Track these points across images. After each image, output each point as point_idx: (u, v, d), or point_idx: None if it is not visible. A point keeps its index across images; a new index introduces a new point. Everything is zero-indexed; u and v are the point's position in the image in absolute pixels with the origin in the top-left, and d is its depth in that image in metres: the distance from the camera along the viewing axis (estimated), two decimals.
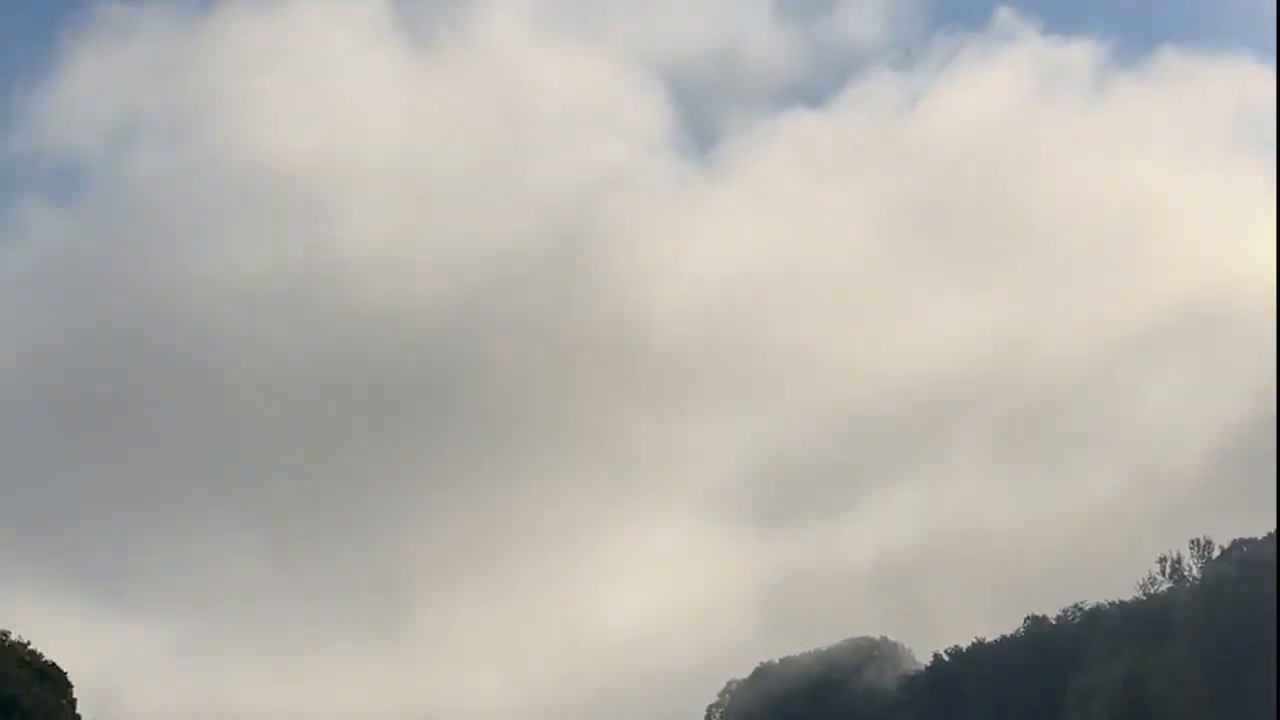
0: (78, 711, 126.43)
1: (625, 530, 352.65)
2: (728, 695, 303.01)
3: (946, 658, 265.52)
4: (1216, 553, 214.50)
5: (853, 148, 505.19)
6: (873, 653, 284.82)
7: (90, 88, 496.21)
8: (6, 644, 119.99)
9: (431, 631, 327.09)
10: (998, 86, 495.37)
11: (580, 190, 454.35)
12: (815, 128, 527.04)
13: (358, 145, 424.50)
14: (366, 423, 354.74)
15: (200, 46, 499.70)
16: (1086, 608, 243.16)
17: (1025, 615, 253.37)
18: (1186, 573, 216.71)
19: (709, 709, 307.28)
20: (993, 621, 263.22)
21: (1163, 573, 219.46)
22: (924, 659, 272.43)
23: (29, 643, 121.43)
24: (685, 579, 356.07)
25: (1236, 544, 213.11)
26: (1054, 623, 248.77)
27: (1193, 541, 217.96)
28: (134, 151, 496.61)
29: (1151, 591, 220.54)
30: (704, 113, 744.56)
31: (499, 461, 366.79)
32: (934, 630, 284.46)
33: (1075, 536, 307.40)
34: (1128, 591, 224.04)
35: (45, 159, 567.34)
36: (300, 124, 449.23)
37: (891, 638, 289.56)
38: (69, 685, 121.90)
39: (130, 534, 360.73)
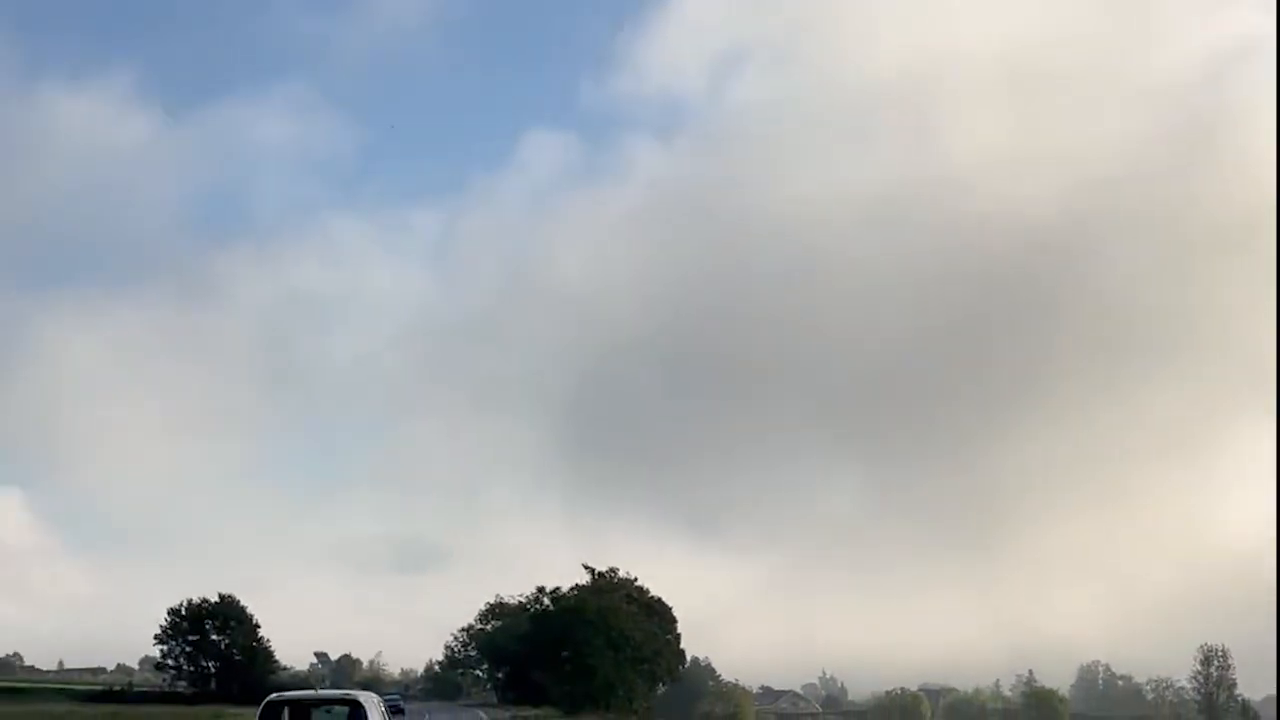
0: (681, 646, 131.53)
1: (1247, 434, 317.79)
2: None
3: None
4: None
5: None
6: None
7: (692, 25, 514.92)
8: (616, 580, 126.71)
9: (1026, 550, 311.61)
10: None
11: (1205, 67, 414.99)
12: None
13: (958, 48, 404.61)
14: (958, 335, 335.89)
15: None
16: None
17: None
18: None
19: None
20: None
21: None
22: None
23: (635, 579, 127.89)
24: None
25: None
26: None
27: None
28: (734, 82, 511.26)
29: None
30: None
31: (1108, 366, 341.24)
32: None
33: None
34: None
35: (650, 98, 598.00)
36: (897, 33, 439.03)
37: None
38: (674, 620, 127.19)
39: (727, 470, 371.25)
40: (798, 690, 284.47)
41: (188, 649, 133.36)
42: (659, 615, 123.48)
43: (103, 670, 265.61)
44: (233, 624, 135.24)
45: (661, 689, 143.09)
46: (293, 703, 36.31)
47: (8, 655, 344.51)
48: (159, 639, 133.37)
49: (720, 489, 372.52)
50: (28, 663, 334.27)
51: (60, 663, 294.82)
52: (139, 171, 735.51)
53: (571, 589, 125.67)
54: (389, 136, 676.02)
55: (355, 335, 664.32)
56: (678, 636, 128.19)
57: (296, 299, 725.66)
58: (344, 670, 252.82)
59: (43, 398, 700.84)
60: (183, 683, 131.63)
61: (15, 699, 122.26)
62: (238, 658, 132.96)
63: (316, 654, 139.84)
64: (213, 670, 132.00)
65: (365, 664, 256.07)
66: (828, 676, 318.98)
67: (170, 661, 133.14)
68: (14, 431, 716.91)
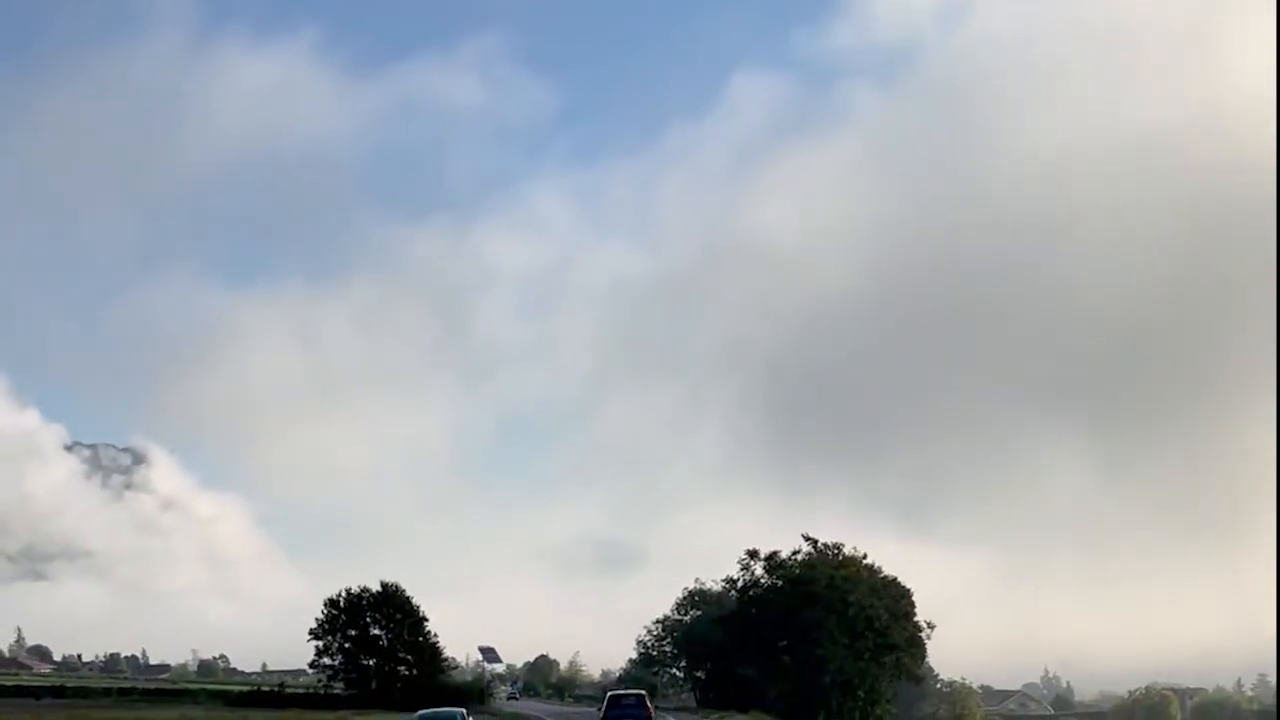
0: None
1: None
2: None
3: None
4: None
5: None
6: None
7: None
8: (841, 557, 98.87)
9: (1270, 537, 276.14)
10: None
11: None
12: None
13: None
14: (1215, 292, 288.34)
15: None
16: None
17: None
18: None
19: None
20: None
21: None
22: None
23: (865, 555, 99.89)
24: None
25: None
26: None
27: None
28: (966, 26, 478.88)
29: None
30: None
31: None
32: None
33: None
34: None
35: (872, 43, 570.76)
36: None
37: None
38: (913, 605, 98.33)
39: (942, 448, 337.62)
40: (1022, 690, 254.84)
41: (345, 645, 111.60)
42: (896, 599, 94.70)
43: (303, 673, 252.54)
44: (397, 616, 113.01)
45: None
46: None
47: (214, 657, 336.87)
48: (314, 634, 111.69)
49: (934, 470, 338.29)
50: (233, 664, 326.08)
51: (264, 664, 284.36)
52: (321, 137, 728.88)
53: (792, 554, 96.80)
54: (584, 92, 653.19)
55: (551, 312, 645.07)
56: (916, 625, 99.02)
57: (491, 276, 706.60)
58: (540, 669, 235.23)
59: (249, 396, 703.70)
60: (339, 683, 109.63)
61: (161, 702, 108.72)
62: (401, 654, 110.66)
63: (482, 649, 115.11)
64: (373, 669, 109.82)
65: (563, 665, 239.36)
66: (1050, 675, 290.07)
67: (326, 660, 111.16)
68: (230, 435, 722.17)
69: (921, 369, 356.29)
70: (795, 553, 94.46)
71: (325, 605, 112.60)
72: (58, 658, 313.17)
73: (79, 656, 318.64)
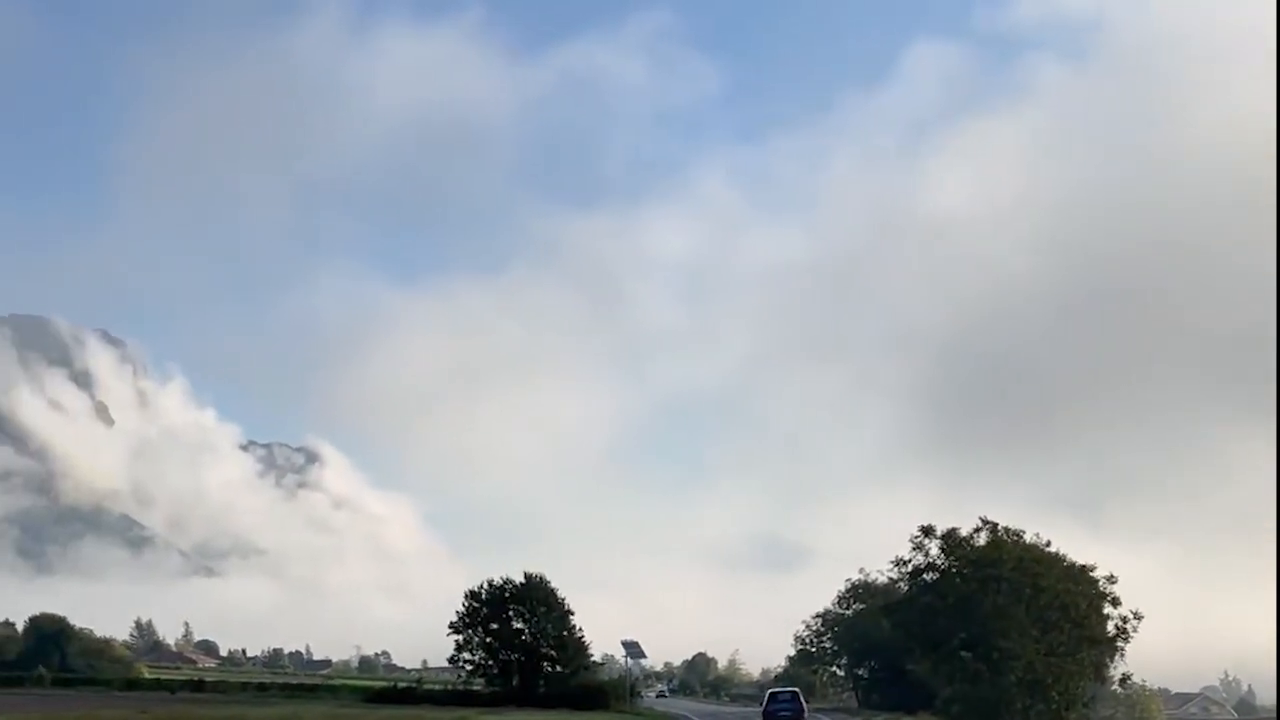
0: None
1: None
2: None
3: None
4: None
5: None
6: None
7: None
8: (1023, 544, 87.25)
9: None
10: None
11: None
12: None
13: None
14: None
15: None
16: None
17: None
18: None
19: None
20: None
21: None
22: None
23: (1049, 542, 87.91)
24: None
25: None
26: None
27: None
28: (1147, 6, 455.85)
29: None
30: None
31: None
32: None
33: None
34: None
35: (1060, 18, 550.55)
36: None
37: None
38: (1109, 594, 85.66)
39: (1116, 436, 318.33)
40: (1203, 693, 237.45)
41: (486, 639, 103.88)
42: (1091, 588, 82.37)
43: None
44: (541, 609, 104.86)
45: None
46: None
47: (375, 653, 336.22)
48: (454, 628, 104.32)
49: (1112, 461, 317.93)
50: (394, 660, 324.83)
51: (424, 661, 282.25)
52: (481, 121, 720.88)
53: (973, 531, 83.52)
54: (749, 68, 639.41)
55: (712, 298, 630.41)
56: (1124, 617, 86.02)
57: (650, 261, 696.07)
58: (698, 667, 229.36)
59: (414, 391, 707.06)
60: (480, 679, 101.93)
61: (299, 698, 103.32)
62: (545, 649, 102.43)
63: (625, 644, 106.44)
64: (514, 664, 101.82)
65: (722, 663, 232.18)
66: (1230, 678, 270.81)
67: (466, 655, 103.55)
68: (398, 432, 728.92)
69: (1101, 354, 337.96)
70: (976, 530, 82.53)
71: (465, 598, 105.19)
72: (223, 652, 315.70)
73: (243, 651, 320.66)
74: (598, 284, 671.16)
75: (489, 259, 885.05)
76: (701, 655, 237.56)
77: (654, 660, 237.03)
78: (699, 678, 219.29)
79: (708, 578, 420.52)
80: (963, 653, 76.83)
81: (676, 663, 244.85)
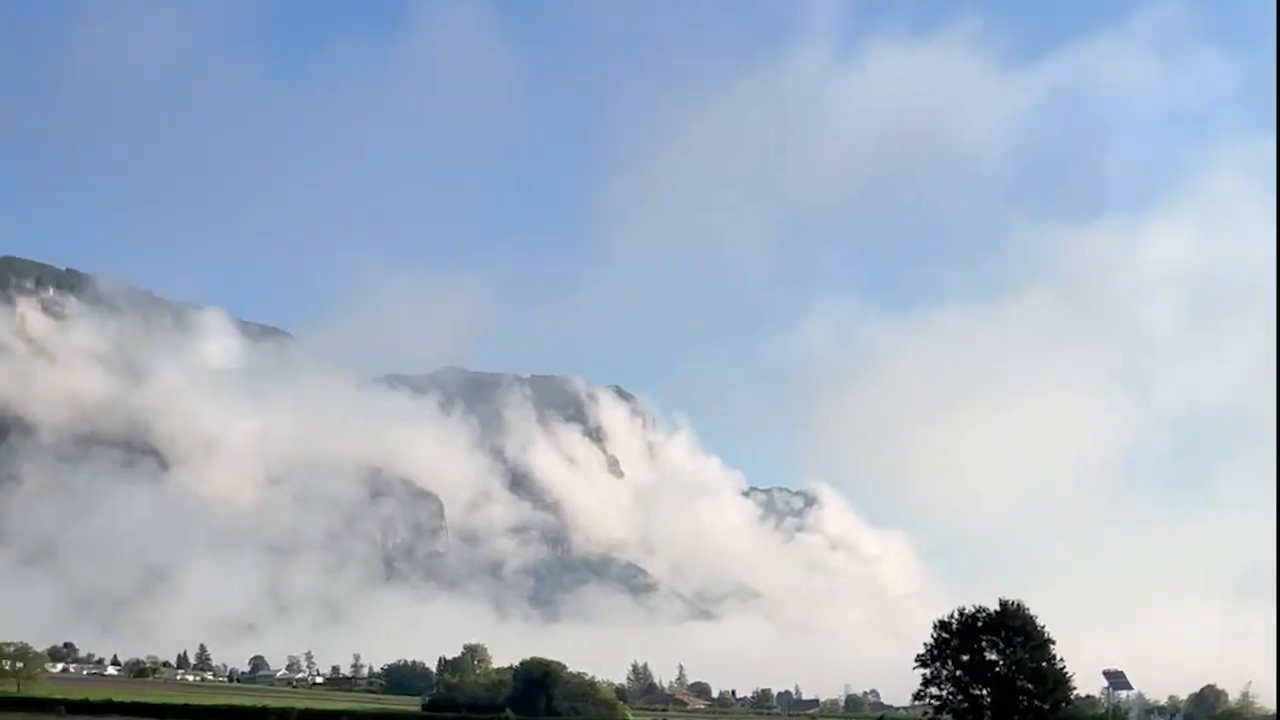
0: None
1: None
2: None
3: None
4: None
5: None
6: None
7: None
8: None
9: None
10: None
11: None
12: None
13: None
14: None
15: None
16: None
17: None
18: None
19: None
20: None
21: None
22: None
23: None
24: None
25: None
26: None
27: None
28: None
29: None
30: None
31: None
32: None
33: None
34: None
35: None
36: None
37: None
38: None
39: None
40: None
41: (956, 672, 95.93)
42: None
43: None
44: (1017, 639, 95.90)
45: None
46: None
47: (863, 692, 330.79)
48: (920, 661, 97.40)
49: None
50: (882, 699, 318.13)
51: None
52: (971, 139, 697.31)
53: None
54: (1268, 59, 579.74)
55: (1229, 312, 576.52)
56: None
57: (1154, 274, 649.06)
58: (1205, 701, 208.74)
59: (908, 427, 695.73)
60: (948, 715, 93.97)
61: None
62: (1020, 682, 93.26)
63: (1107, 674, 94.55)
64: (986, 698, 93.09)
65: (1233, 696, 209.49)
66: None
67: (934, 690, 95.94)
68: (893, 469, 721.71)
69: None
70: None
71: (934, 628, 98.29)
72: (714, 694, 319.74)
73: (733, 692, 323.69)
74: (1093, 300, 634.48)
75: (980, 283, 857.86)
76: (1210, 688, 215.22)
77: (1154, 693, 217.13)
78: (1206, 712, 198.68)
79: (1210, 605, 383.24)
80: None
81: (1182, 696, 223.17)
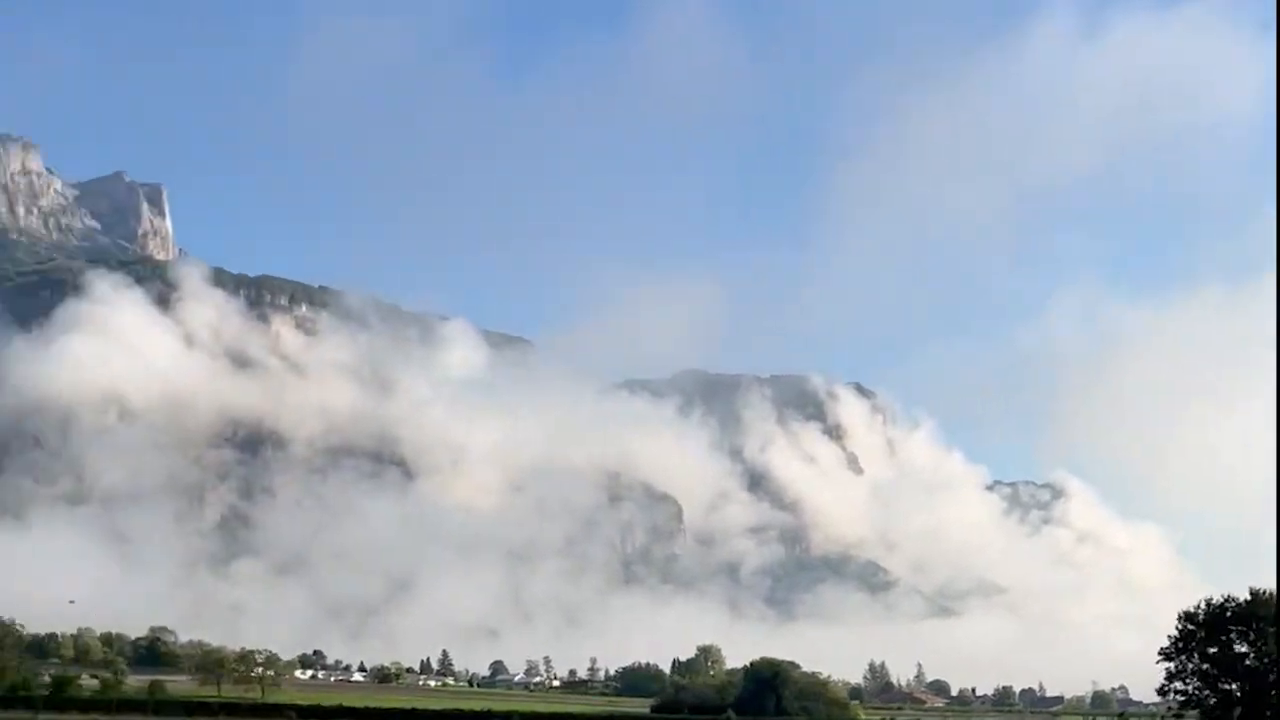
0: None
1: None
2: None
3: None
4: None
5: None
6: None
7: None
8: None
9: None
10: None
11: None
12: None
13: None
14: None
15: None
16: None
17: None
18: None
19: None
20: None
21: None
22: None
23: None
24: None
25: None
26: None
27: None
28: None
29: None
30: None
31: None
32: None
33: None
34: None
35: None
36: None
37: None
38: None
39: None
40: None
41: (1203, 666, 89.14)
42: None
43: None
44: (1270, 630, 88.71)
45: None
46: None
47: (1111, 689, 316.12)
48: (1164, 654, 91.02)
49: None
50: (1131, 695, 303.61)
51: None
52: (1221, 110, 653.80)
53: None
54: None
55: None
56: None
57: None
58: None
59: (1157, 413, 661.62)
60: (1193, 712, 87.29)
61: None
62: (1273, 678, 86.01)
63: None
64: (1236, 693, 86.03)
65: None
66: None
67: (1179, 685, 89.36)
68: (1143, 459, 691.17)
69: None
70: None
71: (1179, 619, 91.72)
72: (954, 692, 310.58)
73: (973, 690, 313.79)
74: None
75: (1237, 260, 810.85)
76: None
77: None
78: None
79: None
80: None
81: None
